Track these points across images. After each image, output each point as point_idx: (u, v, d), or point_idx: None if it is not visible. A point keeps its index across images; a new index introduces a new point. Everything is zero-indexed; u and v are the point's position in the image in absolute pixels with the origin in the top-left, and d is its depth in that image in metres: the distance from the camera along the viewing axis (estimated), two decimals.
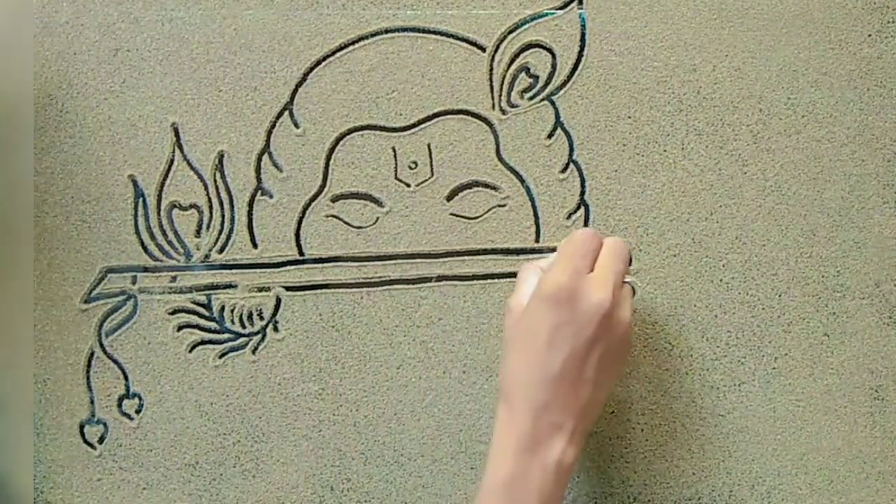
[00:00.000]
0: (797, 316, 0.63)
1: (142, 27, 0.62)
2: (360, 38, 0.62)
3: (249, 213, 0.63)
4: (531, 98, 0.62)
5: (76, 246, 0.63)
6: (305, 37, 0.62)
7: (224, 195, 0.63)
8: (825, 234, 0.63)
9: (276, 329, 0.63)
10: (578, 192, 0.63)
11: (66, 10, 0.62)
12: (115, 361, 0.63)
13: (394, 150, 0.62)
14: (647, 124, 0.62)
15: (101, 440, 0.64)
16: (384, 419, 0.64)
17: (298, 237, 0.63)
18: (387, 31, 0.62)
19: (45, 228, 0.62)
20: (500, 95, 0.62)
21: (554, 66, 0.62)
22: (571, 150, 0.63)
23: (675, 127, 0.62)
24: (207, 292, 0.63)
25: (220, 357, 0.63)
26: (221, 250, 0.63)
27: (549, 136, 0.63)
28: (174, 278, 0.63)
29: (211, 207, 0.63)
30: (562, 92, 0.62)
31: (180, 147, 0.62)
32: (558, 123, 0.62)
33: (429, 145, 0.62)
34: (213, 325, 0.63)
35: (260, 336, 0.63)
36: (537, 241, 0.63)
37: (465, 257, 0.63)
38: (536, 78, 0.62)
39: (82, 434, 0.63)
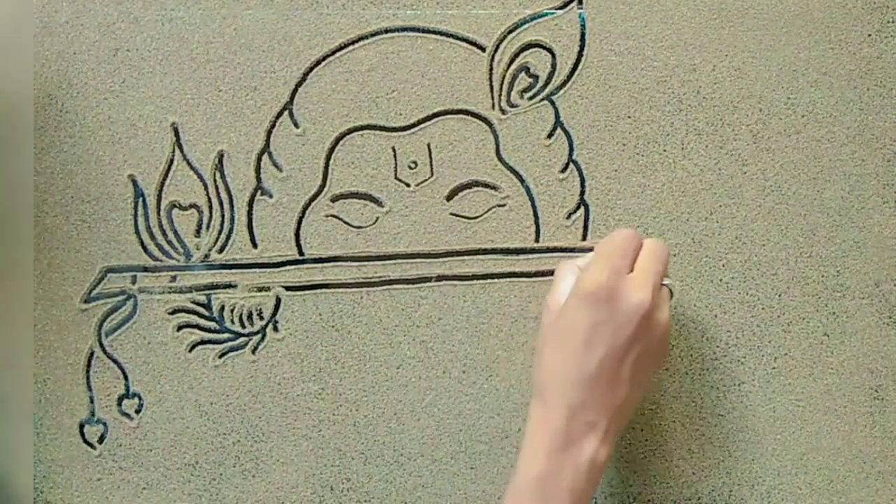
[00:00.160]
0: (797, 316, 0.63)
1: (142, 27, 0.62)
2: (360, 38, 0.62)
3: (249, 213, 0.63)
4: (531, 98, 0.62)
5: (76, 246, 0.63)
6: (305, 37, 0.62)
7: (224, 195, 0.63)
8: (825, 234, 0.63)
9: (276, 329, 0.63)
10: (578, 191, 0.63)
11: (66, 10, 0.62)
12: (115, 361, 0.63)
13: (394, 150, 0.62)
14: (647, 124, 0.62)
15: (101, 440, 0.64)
16: (384, 419, 0.64)
17: (298, 237, 0.63)
18: (387, 31, 0.62)
19: (45, 228, 0.62)
20: (500, 95, 0.62)
21: (554, 66, 0.62)
22: (571, 149, 0.63)
23: (675, 127, 0.62)
24: (207, 292, 0.63)
25: (220, 357, 0.63)
26: (221, 250, 0.63)
27: (549, 135, 0.63)
28: (174, 278, 0.63)
29: (211, 207, 0.63)
30: (562, 92, 0.62)
31: (180, 147, 0.62)
32: (558, 123, 0.62)
33: (429, 145, 0.62)
34: (212, 324, 0.63)
35: (260, 336, 0.63)
36: (537, 241, 0.63)
37: (465, 257, 0.63)
38: (536, 78, 0.62)
39: (82, 434, 0.63)
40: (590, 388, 0.54)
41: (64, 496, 0.64)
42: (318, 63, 0.62)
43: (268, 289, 0.63)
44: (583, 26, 0.62)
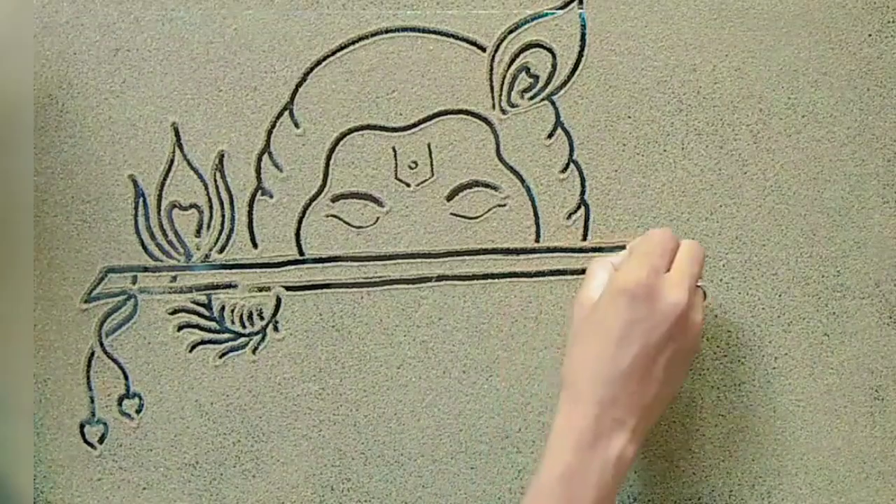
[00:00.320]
0: (797, 316, 0.63)
1: (142, 27, 0.62)
2: (360, 38, 0.62)
3: (249, 213, 0.63)
4: (531, 98, 0.62)
5: (76, 246, 0.63)
6: (305, 37, 0.62)
7: (224, 195, 0.63)
8: (825, 234, 0.63)
9: (276, 329, 0.63)
10: (578, 192, 0.63)
11: (66, 10, 0.62)
12: (116, 361, 0.63)
13: (394, 150, 0.62)
14: (647, 124, 0.62)
15: (101, 440, 0.64)
16: (384, 419, 0.64)
17: (298, 237, 0.63)
18: (387, 31, 0.62)
19: (45, 228, 0.62)
20: (501, 95, 0.62)
21: (554, 66, 0.62)
22: (571, 149, 0.63)
23: (675, 127, 0.62)
24: (207, 292, 0.63)
25: (221, 357, 0.63)
26: (222, 250, 0.63)
27: (550, 135, 0.63)
28: (174, 278, 0.63)
29: (211, 207, 0.63)
30: (562, 92, 0.62)
31: (180, 147, 0.62)
32: (558, 123, 0.62)
33: (429, 145, 0.62)
34: (213, 324, 0.63)
35: (260, 336, 0.63)
36: (537, 241, 0.63)
37: (465, 257, 0.63)
38: (536, 78, 0.62)
39: (82, 434, 0.63)
40: (622, 385, 0.54)
41: (64, 496, 0.64)
42: (318, 63, 0.62)
43: (268, 289, 0.63)
44: (583, 26, 0.62)
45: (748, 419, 0.64)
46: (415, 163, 0.63)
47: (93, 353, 0.63)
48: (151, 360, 0.63)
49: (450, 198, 0.63)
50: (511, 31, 0.62)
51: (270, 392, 0.63)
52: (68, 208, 0.63)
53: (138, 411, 0.64)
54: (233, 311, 0.63)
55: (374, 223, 0.63)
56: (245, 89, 0.62)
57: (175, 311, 0.63)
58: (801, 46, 0.62)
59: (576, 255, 0.63)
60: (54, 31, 0.62)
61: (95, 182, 0.62)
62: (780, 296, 0.63)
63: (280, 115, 0.62)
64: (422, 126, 0.62)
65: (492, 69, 0.62)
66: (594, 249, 0.63)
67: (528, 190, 0.63)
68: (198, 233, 0.63)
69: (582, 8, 0.62)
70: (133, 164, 0.62)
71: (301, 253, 0.63)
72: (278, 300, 0.63)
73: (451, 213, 0.63)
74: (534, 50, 0.62)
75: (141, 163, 0.62)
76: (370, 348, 0.63)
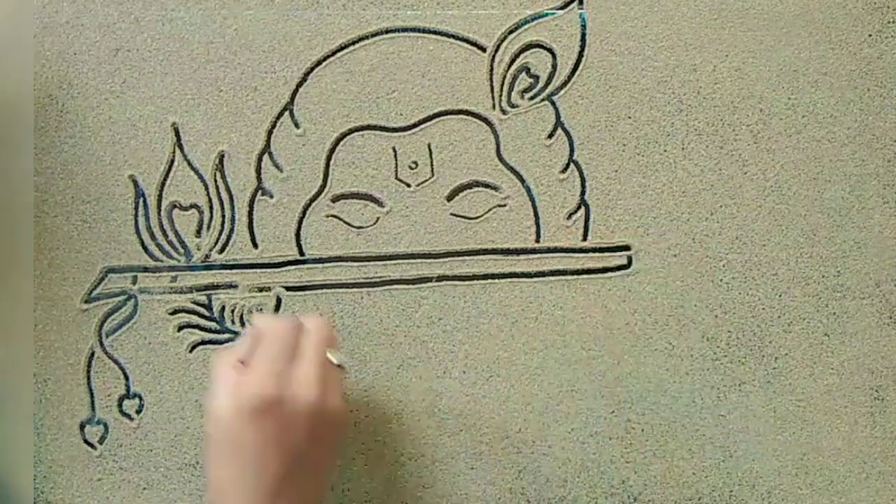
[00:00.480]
0: (797, 316, 0.63)
1: (142, 27, 0.62)
2: (360, 38, 0.62)
3: (250, 213, 0.63)
4: (531, 98, 0.62)
5: (76, 246, 0.63)
6: (305, 37, 0.62)
7: (224, 195, 0.63)
8: (825, 234, 0.63)
9: None
10: (579, 192, 0.63)
11: (66, 10, 0.62)
12: (116, 361, 0.63)
13: (394, 150, 0.62)
14: (647, 124, 0.62)
15: (101, 440, 0.64)
16: (384, 419, 0.64)
17: (299, 237, 0.63)
18: (387, 31, 0.62)
19: (45, 228, 0.62)
20: (501, 95, 0.62)
21: (554, 66, 0.62)
22: (572, 150, 0.63)
23: (675, 127, 0.63)
24: (208, 292, 0.63)
25: None
26: (222, 250, 0.63)
27: (550, 136, 0.63)
28: (174, 278, 0.63)
29: (211, 207, 0.63)
30: (562, 92, 0.62)
31: (180, 147, 0.62)
32: (558, 123, 0.62)
33: (429, 145, 0.62)
34: (213, 325, 0.63)
35: None
36: (537, 241, 0.63)
37: (465, 257, 0.63)
38: (537, 78, 0.62)
39: (82, 434, 0.63)
40: (272, 498, 0.52)
41: (64, 496, 0.64)
42: (318, 63, 0.62)
43: (268, 289, 0.63)
44: (583, 26, 0.62)
45: (748, 419, 0.64)
46: (415, 163, 0.63)
47: (93, 354, 0.63)
48: (151, 361, 0.63)
49: (450, 198, 0.63)
50: (511, 32, 0.62)
51: None
52: (68, 208, 0.62)
53: (138, 411, 0.64)
54: (233, 311, 0.63)
55: (375, 223, 0.63)
56: (245, 89, 0.62)
57: (175, 312, 0.63)
58: (801, 46, 0.62)
59: (576, 255, 0.63)
60: (54, 31, 0.62)
61: (95, 182, 0.62)
62: (780, 296, 0.63)
63: (280, 115, 0.62)
64: (422, 126, 0.62)
65: (492, 69, 0.62)
66: (594, 249, 0.63)
67: (529, 190, 0.63)
68: (198, 233, 0.63)
69: (582, 8, 0.62)
70: (133, 164, 0.62)
71: (301, 253, 0.63)
72: (278, 300, 0.63)
73: (452, 214, 0.63)
74: (534, 50, 0.62)
75: (141, 163, 0.62)
76: (370, 348, 0.63)
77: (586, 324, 0.63)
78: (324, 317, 0.57)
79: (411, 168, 0.63)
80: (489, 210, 0.63)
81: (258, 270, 0.63)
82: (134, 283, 0.63)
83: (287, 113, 0.62)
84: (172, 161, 0.62)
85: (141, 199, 0.63)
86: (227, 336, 0.63)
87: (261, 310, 0.63)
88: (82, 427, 0.63)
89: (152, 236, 0.63)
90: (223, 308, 0.63)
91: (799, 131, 0.63)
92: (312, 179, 0.63)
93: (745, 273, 0.63)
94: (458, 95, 0.62)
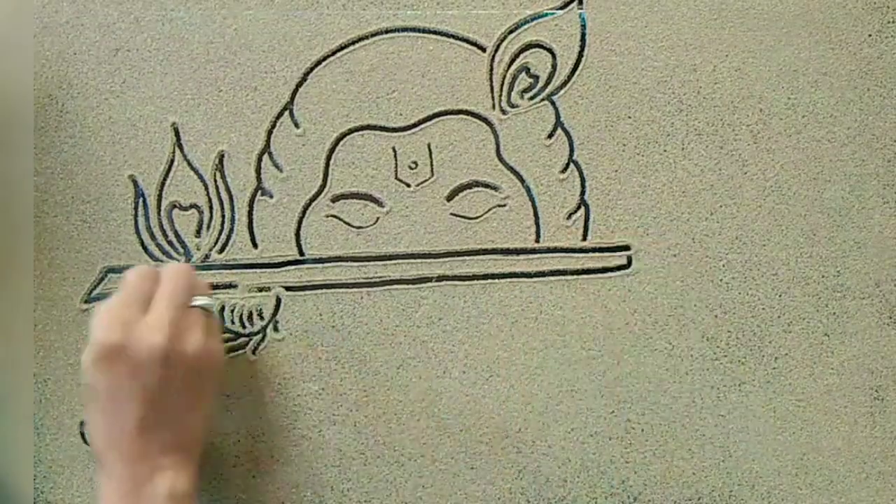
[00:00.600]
0: (797, 316, 0.63)
1: (142, 27, 0.62)
2: (360, 38, 0.62)
3: (249, 213, 0.63)
4: (531, 98, 0.62)
5: (76, 246, 0.63)
6: (305, 37, 0.62)
7: (224, 195, 0.63)
8: (825, 234, 0.63)
9: (276, 329, 0.63)
10: (578, 192, 0.63)
11: (66, 10, 0.62)
12: None
13: (394, 150, 0.62)
14: (647, 124, 0.62)
15: None
16: (384, 419, 0.64)
17: (298, 237, 0.63)
18: (387, 31, 0.62)
19: (45, 228, 0.62)
20: (501, 95, 0.62)
21: (554, 66, 0.62)
22: (571, 150, 0.63)
23: (675, 127, 0.62)
24: None
25: None
26: (222, 250, 0.63)
27: (550, 136, 0.63)
28: None
29: (211, 207, 0.63)
30: (562, 92, 0.62)
31: (180, 147, 0.62)
32: (558, 123, 0.62)
33: (429, 145, 0.62)
34: None
35: (260, 336, 0.63)
36: (537, 241, 0.63)
37: (465, 257, 0.63)
38: (536, 78, 0.62)
39: (82, 434, 0.63)
40: (138, 439, 0.53)
41: (64, 496, 0.64)
42: (318, 63, 0.62)
43: (268, 289, 0.63)
44: (583, 26, 0.62)
45: (748, 419, 0.64)
46: (415, 163, 0.63)
47: None
48: None
49: (450, 198, 0.63)
50: (511, 32, 0.62)
51: (270, 392, 0.63)
52: (68, 208, 0.62)
53: None
54: (233, 311, 0.63)
55: (374, 223, 0.63)
56: (245, 89, 0.62)
57: None
58: (801, 46, 0.62)
59: (576, 255, 0.63)
60: (54, 31, 0.62)
61: (95, 182, 0.62)
62: (780, 296, 0.63)
63: (280, 115, 0.62)
64: (422, 126, 0.62)
65: (492, 69, 0.62)
66: (594, 249, 0.63)
67: (528, 190, 0.63)
68: (198, 233, 0.63)
69: (582, 8, 0.62)
70: (133, 164, 0.62)
71: (301, 253, 0.63)
72: (278, 300, 0.63)
73: (451, 214, 0.63)
74: (534, 50, 0.62)
75: (141, 163, 0.62)
76: (370, 348, 0.63)
77: (586, 324, 0.63)
78: (184, 264, 0.58)
79: (411, 168, 0.63)
80: (489, 210, 0.63)
81: (258, 270, 0.63)
82: None
83: (287, 113, 0.62)
84: (172, 161, 0.62)
85: (141, 199, 0.63)
86: (226, 336, 0.63)
87: (260, 310, 0.63)
88: (82, 427, 0.63)
89: (152, 236, 0.63)
90: (223, 308, 0.63)
91: (799, 131, 0.63)
92: (312, 179, 0.63)
93: (745, 273, 0.63)
94: (458, 95, 0.62)
